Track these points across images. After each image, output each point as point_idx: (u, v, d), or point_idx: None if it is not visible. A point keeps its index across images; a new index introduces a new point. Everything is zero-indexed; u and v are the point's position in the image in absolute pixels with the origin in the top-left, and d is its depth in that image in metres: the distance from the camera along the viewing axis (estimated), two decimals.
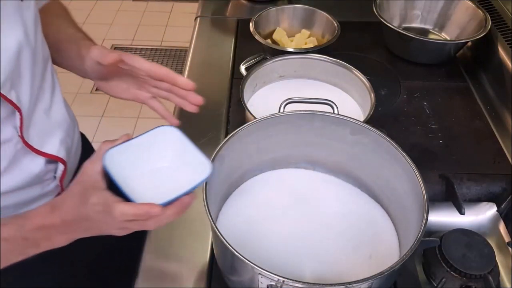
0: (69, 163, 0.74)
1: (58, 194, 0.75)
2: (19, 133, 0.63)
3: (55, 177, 0.73)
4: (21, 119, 0.62)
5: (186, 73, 1.08)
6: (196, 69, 1.09)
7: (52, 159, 0.70)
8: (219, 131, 0.93)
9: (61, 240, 0.57)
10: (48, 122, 0.70)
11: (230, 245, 0.55)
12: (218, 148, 0.65)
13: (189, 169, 0.58)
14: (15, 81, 0.60)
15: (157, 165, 0.60)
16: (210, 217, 0.58)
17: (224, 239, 0.55)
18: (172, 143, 0.60)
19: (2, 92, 0.57)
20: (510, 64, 1.01)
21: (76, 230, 0.57)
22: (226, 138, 0.67)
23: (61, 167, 0.72)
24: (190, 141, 0.59)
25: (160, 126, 0.60)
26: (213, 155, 0.64)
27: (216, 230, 0.57)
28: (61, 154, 0.71)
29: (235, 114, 0.97)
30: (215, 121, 0.96)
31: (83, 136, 0.88)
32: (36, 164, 0.68)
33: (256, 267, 0.53)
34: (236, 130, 0.68)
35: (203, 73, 1.08)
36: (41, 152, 0.68)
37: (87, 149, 0.86)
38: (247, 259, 0.54)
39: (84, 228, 0.56)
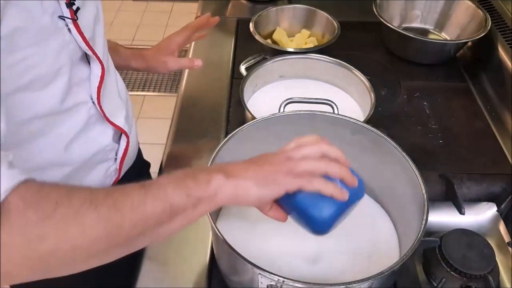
0: (130, 144, 0.76)
1: (116, 181, 0.78)
2: (96, 96, 0.65)
3: (115, 159, 0.75)
4: (102, 76, 0.64)
5: (186, 73, 1.08)
6: (196, 69, 1.09)
7: (118, 131, 0.73)
8: (219, 131, 0.93)
9: (220, 183, 0.49)
10: (117, 97, 0.73)
11: (230, 245, 0.55)
12: (218, 148, 0.65)
13: None
14: (93, 45, 0.62)
15: None
16: (210, 217, 0.58)
17: (224, 239, 0.55)
18: None
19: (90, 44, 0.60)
20: (510, 64, 1.01)
21: (247, 169, 0.51)
22: (226, 138, 0.67)
23: (122, 145, 0.74)
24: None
25: None
26: (213, 155, 0.64)
27: (216, 230, 0.57)
28: (126, 129, 0.73)
29: (235, 114, 0.97)
30: (215, 121, 0.96)
31: None
32: (105, 136, 0.70)
33: (256, 267, 0.53)
34: (236, 130, 0.68)
35: (203, 73, 1.08)
36: (111, 121, 0.70)
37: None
38: (247, 259, 0.54)
39: (258, 164, 0.52)
